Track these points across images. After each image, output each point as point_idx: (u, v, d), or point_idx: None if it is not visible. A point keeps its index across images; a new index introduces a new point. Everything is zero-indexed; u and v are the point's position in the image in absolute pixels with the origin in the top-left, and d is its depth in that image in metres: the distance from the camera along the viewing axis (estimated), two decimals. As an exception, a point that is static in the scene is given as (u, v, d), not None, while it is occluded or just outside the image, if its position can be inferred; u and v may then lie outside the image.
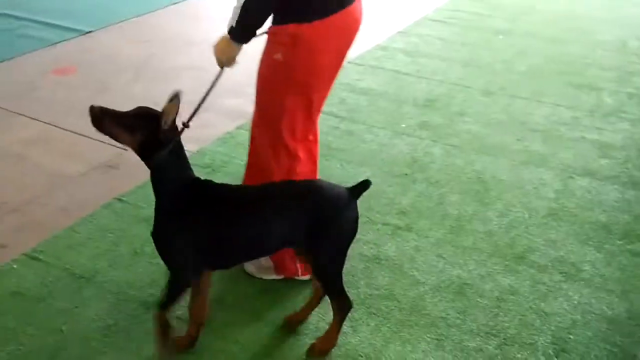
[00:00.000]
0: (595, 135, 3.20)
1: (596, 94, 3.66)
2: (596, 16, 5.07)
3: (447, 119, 3.39)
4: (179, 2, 5.32)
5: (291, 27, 1.85)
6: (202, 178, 1.82)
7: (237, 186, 2.03)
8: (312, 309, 2.02)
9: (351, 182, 2.72)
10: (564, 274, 2.25)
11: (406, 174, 2.87)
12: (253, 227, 1.73)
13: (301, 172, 2.09)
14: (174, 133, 1.75)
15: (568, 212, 2.59)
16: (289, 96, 2.00)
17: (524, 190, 2.76)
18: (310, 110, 2.08)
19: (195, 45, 4.46)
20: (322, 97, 2.13)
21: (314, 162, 2.18)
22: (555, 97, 3.63)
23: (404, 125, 3.33)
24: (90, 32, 4.61)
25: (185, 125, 1.81)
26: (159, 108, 1.72)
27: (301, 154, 2.10)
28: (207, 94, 1.98)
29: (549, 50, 4.34)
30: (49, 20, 4.77)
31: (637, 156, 3.02)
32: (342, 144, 3.15)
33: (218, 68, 2.02)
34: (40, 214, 2.61)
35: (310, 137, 2.15)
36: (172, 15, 5.07)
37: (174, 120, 1.73)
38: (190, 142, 3.07)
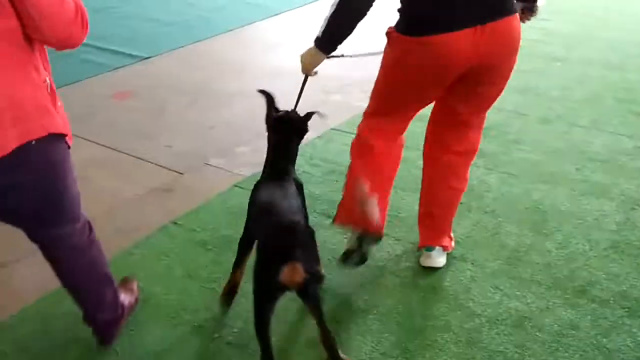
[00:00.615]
0: (660, 166, 3.08)
1: (660, 123, 3.53)
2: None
3: (503, 147, 3.33)
4: (234, 29, 5.46)
5: (390, 30, 2.03)
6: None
7: None
8: None
9: (407, 209, 2.73)
10: (627, 309, 2.15)
11: (461, 203, 2.81)
12: None
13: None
14: None
15: (631, 245, 2.49)
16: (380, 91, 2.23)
17: (584, 221, 2.66)
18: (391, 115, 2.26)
19: (248, 71, 4.56)
20: (402, 111, 2.27)
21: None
22: (616, 126, 3.52)
23: (457, 153, 3.28)
24: (149, 58, 4.77)
25: None
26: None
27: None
28: (297, 100, 2.42)
29: (607, 77, 4.22)
30: (110, 47, 4.97)
31: None
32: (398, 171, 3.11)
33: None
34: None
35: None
36: (226, 42, 5.20)
37: None
38: (242, 166, 3.15)
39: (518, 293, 2.23)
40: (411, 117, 2.29)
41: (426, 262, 2.38)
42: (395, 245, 2.53)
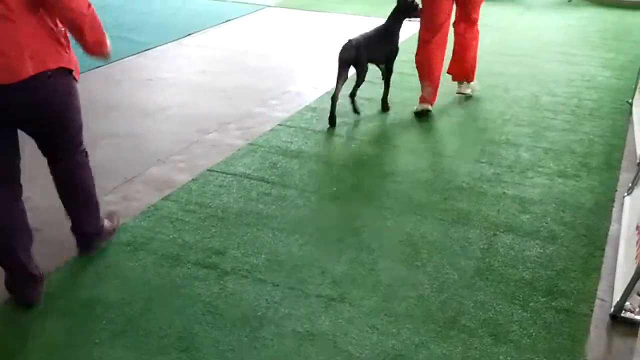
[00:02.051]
0: (516, 191, 3.33)
1: (514, 150, 3.83)
2: (514, 73, 5.37)
3: (378, 181, 3.45)
4: (102, 65, 5.23)
5: None
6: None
7: None
8: None
9: (285, 253, 2.74)
10: (494, 337, 2.28)
11: (339, 240, 2.87)
12: None
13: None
14: None
15: (494, 271, 2.65)
16: None
17: (452, 250, 2.81)
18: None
19: (117, 110, 4.39)
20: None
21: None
22: (477, 154, 3.77)
23: (335, 189, 3.36)
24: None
25: None
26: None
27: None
28: None
29: (469, 107, 4.54)
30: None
31: (554, 210, 3.15)
32: (273, 211, 3.12)
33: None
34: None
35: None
36: (95, 79, 4.97)
37: None
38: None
39: (394, 330, 2.29)
40: (442, 24, 4.34)
41: (460, 89, 4.67)
42: (274, 291, 2.51)
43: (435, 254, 2.77)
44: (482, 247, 2.83)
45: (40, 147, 2.48)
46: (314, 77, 5.13)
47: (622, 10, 7.99)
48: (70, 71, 2.33)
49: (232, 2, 8.11)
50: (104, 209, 2.79)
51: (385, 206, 3.18)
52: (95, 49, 2.37)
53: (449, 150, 3.83)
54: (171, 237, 2.86)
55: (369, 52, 4.15)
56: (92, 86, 4.16)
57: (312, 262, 2.70)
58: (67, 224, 2.68)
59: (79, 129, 2.51)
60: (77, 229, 2.69)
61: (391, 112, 4.42)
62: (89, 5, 2.25)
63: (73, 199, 2.64)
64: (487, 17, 7.41)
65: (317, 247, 2.82)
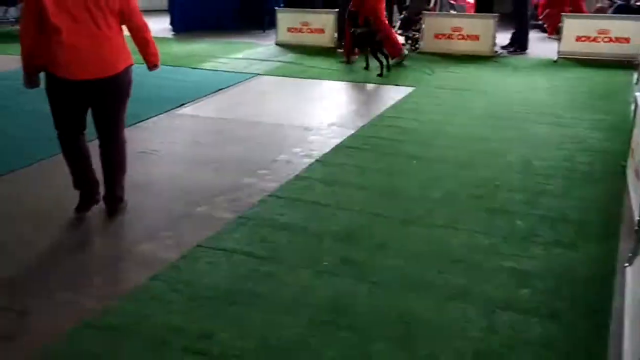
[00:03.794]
0: (513, 263, 3.24)
1: (508, 218, 3.77)
2: (503, 137, 5.37)
3: (369, 254, 3.36)
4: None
5: None
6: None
7: None
8: None
9: (275, 335, 2.62)
10: None
11: (330, 321, 2.76)
12: None
13: None
14: None
15: (494, 354, 2.53)
16: None
17: (449, 330, 2.69)
18: None
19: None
20: None
21: None
22: (471, 224, 3.70)
23: (325, 263, 3.26)
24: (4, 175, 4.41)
25: None
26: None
27: None
28: None
29: (461, 174, 4.50)
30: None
31: (553, 284, 3.05)
32: (263, 289, 3.02)
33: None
34: None
35: None
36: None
37: None
38: (94, 299, 2.89)
39: (390, 422, 2.16)
40: None
41: None
42: None
43: (432, 336, 2.65)
44: (480, 326, 2.71)
45: (103, 124, 3.65)
46: (304, 146, 5.12)
47: (608, 70, 8.13)
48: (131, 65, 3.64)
49: (224, 71, 8.24)
50: (87, 291, 2.69)
51: (378, 282, 3.08)
52: (156, 58, 3.80)
53: (441, 220, 3.76)
54: (158, 320, 2.74)
55: None
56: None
57: (303, 346, 2.58)
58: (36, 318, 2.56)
59: (126, 112, 3.75)
60: (111, 194, 3.77)
61: (380, 182, 4.36)
62: None
63: (117, 168, 3.76)
64: (474, 80, 7.60)
65: (309, 329, 2.70)
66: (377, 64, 7.69)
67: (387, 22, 8.16)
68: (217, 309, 2.85)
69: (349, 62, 8.47)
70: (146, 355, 2.52)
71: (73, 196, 3.79)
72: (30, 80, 3.58)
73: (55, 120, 3.64)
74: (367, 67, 8.02)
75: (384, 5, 8.08)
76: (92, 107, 3.63)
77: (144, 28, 3.67)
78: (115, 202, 3.81)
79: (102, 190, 3.83)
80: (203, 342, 2.59)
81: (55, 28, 3.29)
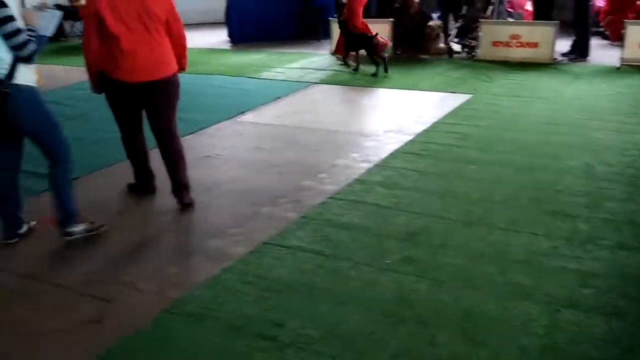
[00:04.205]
0: (576, 265, 3.25)
1: (570, 221, 3.77)
2: (564, 142, 5.34)
3: (430, 253, 3.44)
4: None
5: None
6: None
7: None
8: None
9: (342, 325, 2.75)
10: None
11: (395, 314, 2.86)
12: None
13: None
14: None
15: (559, 349, 2.57)
16: None
17: (512, 326, 2.74)
18: None
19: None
20: None
21: None
22: (532, 226, 3.72)
23: (388, 261, 3.36)
24: (76, 178, 4.68)
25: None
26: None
27: None
28: None
29: (521, 178, 4.52)
30: (33, 169, 4.85)
31: (619, 284, 3.05)
32: (327, 283, 3.15)
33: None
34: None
35: None
36: (157, 157, 5.19)
37: None
38: (173, 288, 3.10)
39: (457, 408, 2.23)
40: None
41: None
42: (333, 365, 2.50)
43: (496, 330, 2.71)
44: (544, 323, 2.75)
45: (157, 123, 4.02)
46: (361, 151, 5.24)
47: (672, 78, 7.92)
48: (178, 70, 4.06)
49: (281, 80, 8.47)
50: (167, 280, 2.89)
51: (440, 279, 3.15)
52: (186, 62, 4.20)
53: (501, 222, 3.80)
54: (232, 308, 2.92)
55: None
56: (153, 165, 4.38)
57: (368, 335, 2.69)
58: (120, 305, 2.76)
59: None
60: (179, 185, 4.13)
61: (439, 185, 4.43)
62: None
63: (177, 158, 4.11)
64: (533, 87, 7.56)
65: (373, 319, 2.81)
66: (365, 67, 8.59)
67: (364, 26, 9.02)
68: (286, 300, 3.00)
69: (346, 63, 9.17)
70: (224, 339, 2.69)
71: (149, 197, 4.03)
72: (96, 86, 3.98)
73: (118, 122, 4.11)
74: (357, 69, 8.74)
75: (361, 10, 9.01)
76: (146, 108, 4.00)
77: (183, 36, 4.11)
78: (185, 190, 4.15)
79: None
80: (275, 330, 2.74)
81: (113, 36, 3.68)
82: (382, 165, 4.88)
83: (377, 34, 8.35)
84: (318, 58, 10.02)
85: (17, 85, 3.29)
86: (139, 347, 2.68)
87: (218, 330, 2.75)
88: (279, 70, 9.20)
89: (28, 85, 3.37)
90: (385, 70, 8.39)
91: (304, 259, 3.41)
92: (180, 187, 4.12)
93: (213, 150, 5.43)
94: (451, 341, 2.64)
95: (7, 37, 3.20)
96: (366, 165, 4.87)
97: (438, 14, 10.79)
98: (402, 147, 5.31)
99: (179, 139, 4.16)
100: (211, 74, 8.99)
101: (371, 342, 2.64)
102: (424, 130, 5.78)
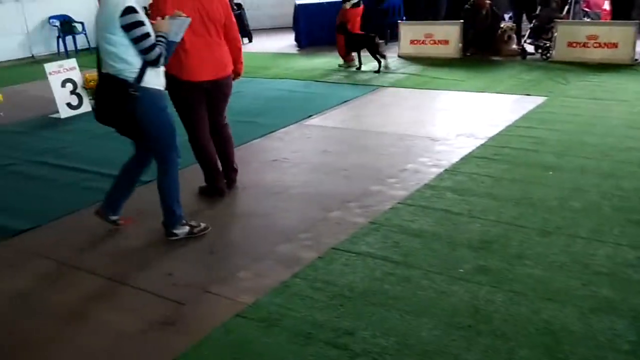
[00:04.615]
0: (667, 278, 3.05)
1: (660, 232, 3.54)
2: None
3: (506, 263, 3.31)
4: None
5: None
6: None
7: None
8: None
9: (414, 336, 2.68)
10: None
11: (469, 326, 2.76)
12: None
13: None
14: None
15: (650, 369, 2.41)
16: None
17: (597, 341, 2.59)
18: None
19: (247, 190, 4.57)
20: None
21: None
22: (616, 236, 3.52)
23: (461, 270, 3.26)
24: (149, 182, 4.82)
25: None
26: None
27: None
28: None
29: (603, 185, 4.28)
30: (111, 172, 5.03)
31: None
32: (398, 292, 3.09)
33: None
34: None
35: None
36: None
37: None
38: (244, 293, 3.12)
39: None
40: None
41: None
42: (406, 377, 2.43)
43: (579, 346, 2.57)
44: (631, 339, 2.59)
45: (213, 116, 4.35)
46: (431, 155, 5.13)
47: None
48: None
49: (348, 84, 8.45)
50: (237, 286, 2.92)
51: (517, 291, 3.02)
52: (242, 67, 4.46)
53: (583, 231, 3.61)
54: (302, 314, 2.91)
55: None
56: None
57: (442, 348, 2.61)
58: (193, 308, 2.80)
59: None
60: (232, 169, 4.60)
61: (515, 192, 4.27)
62: None
63: (229, 149, 4.55)
64: (613, 89, 7.18)
65: (447, 332, 2.73)
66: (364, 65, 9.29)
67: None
68: (356, 307, 2.95)
69: (347, 63, 9.61)
70: (294, 345, 2.68)
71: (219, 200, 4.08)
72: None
73: (185, 124, 4.28)
74: (359, 67, 9.36)
75: (358, 19, 9.66)
76: (207, 105, 4.27)
77: (239, 39, 4.44)
78: (235, 173, 4.64)
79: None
80: (345, 338, 2.70)
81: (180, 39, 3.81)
82: (453, 170, 4.76)
83: (376, 35, 9.08)
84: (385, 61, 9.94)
85: (145, 88, 3.46)
86: (211, 351, 2.70)
87: (289, 337, 2.74)
88: (345, 73, 9.19)
89: (155, 89, 3.55)
90: (386, 68, 9.18)
91: (374, 266, 3.36)
92: (232, 170, 4.59)
93: (281, 154, 5.47)
94: (531, 357, 2.52)
95: (136, 41, 3.38)
96: (436, 170, 4.76)
97: (510, 15, 10.48)
98: (474, 151, 5.16)
99: (230, 128, 4.55)
100: (279, 78, 9.09)
101: (446, 356, 2.56)
102: (497, 134, 5.60)
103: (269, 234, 3.89)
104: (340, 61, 9.72)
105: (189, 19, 3.69)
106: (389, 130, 6.04)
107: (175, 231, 3.79)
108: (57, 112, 7.19)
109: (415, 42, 10.04)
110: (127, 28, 3.34)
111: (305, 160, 5.32)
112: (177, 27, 3.60)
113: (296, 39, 12.50)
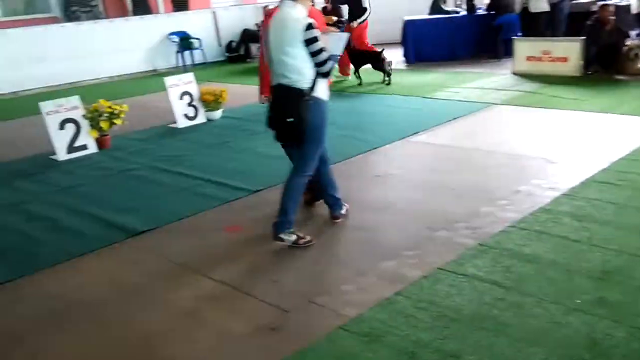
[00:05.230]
0: None
1: None
2: None
3: (629, 296, 3.06)
4: (339, 161, 5.61)
5: None
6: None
7: None
8: None
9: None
10: None
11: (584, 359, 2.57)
12: None
13: None
14: None
15: None
16: None
17: None
18: None
19: (352, 204, 4.59)
20: None
21: None
22: None
23: (578, 301, 3.05)
24: (259, 191, 4.98)
25: None
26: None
27: None
28: None
29: None
30: (222, 180, 5.26)
31: None
32: (509, 318, 2.94)
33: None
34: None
35: None
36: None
37: None
38: (348, 306, 3.11)
39: None
40: None
41: None
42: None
43: None
44: None
45: None
46: (547, 178, 4.87)
47: None
48: None
49: (457, 100, 8.25)
50: (341, 298, 2.92)
51: (641, 327, 2.78)
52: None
53: None
54: (405, 332, 2.85)
55: None
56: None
57: (557, 382, 2.45)
58: (297, 316, 2.82)
59: None
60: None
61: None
62: None
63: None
64: None
65: (562, 365, 2.56)
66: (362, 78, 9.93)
67: (368, 44, 10.36)
68: (462, 331, 2.85)
69: (344, 77, 10.24)
70: (397, 364, 2.63)
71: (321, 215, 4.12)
72: (262, 96, 4.47)
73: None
74: (360, 84, 9.85)
75: (366, 32, 10.36)
76: None
77: None
78: (336, 202, 4.46)
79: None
80: (450, 361, 2.62)
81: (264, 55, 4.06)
82: (572, 194, 4.48)
83: (382, 50, 9.65)
84: (498, 78, 9.62)
85: (316, 97, 3.72)
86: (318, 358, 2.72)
87: (391, 354, 2.70)
88: (455, 90, 8.99)
89: (323, 99, 3.80)
90: (389, 83, 9.65)
91: (482, 290, 3.23)
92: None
93: (386, 170, 5.43)
94: (659, 401, 2.30)
95: (314, 54, 3.64)
96: (552, 194, 4.51)
97: (637, 32, 9.79)
98: (594, 175, 4.84)
99: None
100: (385, 94, 9.07)
101: (560, 390, 2.39)
102: (620, 158, 5.21)
103: (372, 249, 3.86)
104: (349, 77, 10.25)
105: (347, 34, 3.91)
106: (501, 150, 5.82)
107: (282, 236, 3.86)
108: (175, 122, 7.62)
109: (532, 58, 9.63)
110: (308, 42, 3.59)
111: (411, 177, 5.24)
112: (334, 41, 3.82)
113: (404, 55, 12.44)
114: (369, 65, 9.88)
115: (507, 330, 2.83)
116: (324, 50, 3.65)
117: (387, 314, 3.03)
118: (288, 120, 3.66)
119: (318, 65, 3.66)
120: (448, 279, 3.36)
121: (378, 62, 9.64)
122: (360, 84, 9.80)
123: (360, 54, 9.86)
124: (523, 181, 4.85)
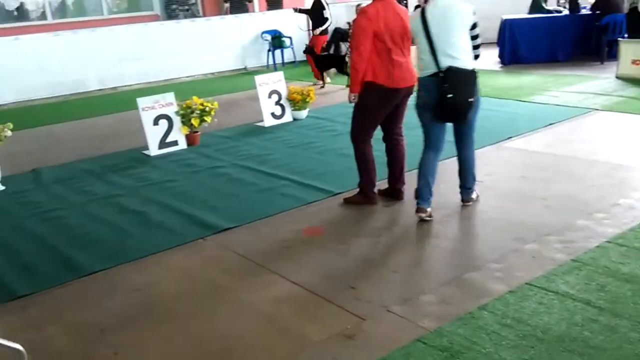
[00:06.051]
0: None
1: None
2: None
3: None
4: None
5: None
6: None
7: None
8: None
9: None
10: None
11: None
12: None
13: None
14: None
15: None
16: None
17: None
18: None
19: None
20: None
21: None
22: None
23: (683, 329, 2.78)
24: (339, 193, 4.94)
25: None
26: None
27: None
28: None
29: None
30: (305, 181, 5.27)
31: None
32: (601, 341, 2.73)
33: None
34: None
35: None
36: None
37: None
38: (427, 317, 3.00)
39: None
40: None
41: None
42: None
43: None
44: None
45: (395, 122, 4.64)
46: (651, 190, 4.50)
47: None
48: None
49: (556, 105, 7.83)
50: (420, 309, 2.82)
51: None
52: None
53: None
54: (487, 350, 2.71)
55: None
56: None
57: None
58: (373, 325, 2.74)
59: None
60: (401, 181, 4.75)
61: None
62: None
63: (402, 157, 4.72)
64: None
65: (662, 400, 2.32)
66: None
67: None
68: (549, 352, 2.67)
69: (319, 82, 10.51)
70: (477, 384, 2.49)
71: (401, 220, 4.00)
72: (356, 92, 4.47)
73: (370, 127, 4.59)
74: (323, 86, 10.33)
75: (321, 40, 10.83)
76: (395, 111, 4.58)
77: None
78: (404, 184, 4.79)
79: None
80: (535, 385, 2.45)
81: (388, 50, 4.33)
82: (679, 210, 4.11)
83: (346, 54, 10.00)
84: (600, 82, 9.04)
85: (477, 76, 4.10)
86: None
87: (470, 374, 2.56)
88: (553, 93, 8.53)
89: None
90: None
91: (573, 309, 3.02)
92: (402, 182, 4.75)
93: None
94: None
95: (474, 38, 4.10)
96: (655, 208, 4.16)
97: None
98: None
99: (404, 140, 4.77)
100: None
101: None
102: None
103: (455, 259, 3.71)
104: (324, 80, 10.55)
105: None
106: (601, 159, 5.44)
107: (473, 196, 4.49)
108: (262, 120, 7.74)
109: (638, 62, 8.98)
110: (473, 27, 4.06)
111: (500, 184, 5.01)
112: None
113: (500, 55, 11.98)
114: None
115: (599, 355, 2.62)
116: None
117: (469, 329, 2.89)
118: (469, 100, 3.98)
119: (476, 48, 4.11)
120: (536, 295, 3.17)
121: (341, 65, 10.24)
122: (323, 87, 10.31)
123: (325, 58, 10.51)
124: (624, 194, 4.51)
